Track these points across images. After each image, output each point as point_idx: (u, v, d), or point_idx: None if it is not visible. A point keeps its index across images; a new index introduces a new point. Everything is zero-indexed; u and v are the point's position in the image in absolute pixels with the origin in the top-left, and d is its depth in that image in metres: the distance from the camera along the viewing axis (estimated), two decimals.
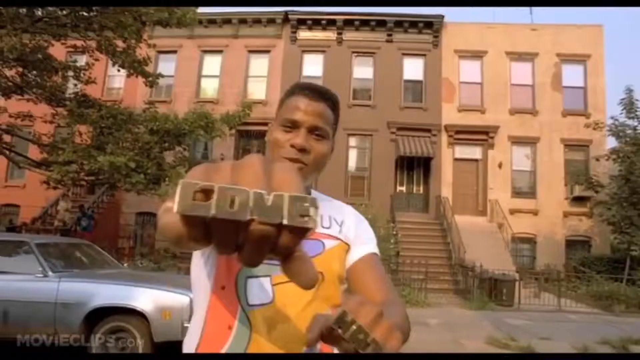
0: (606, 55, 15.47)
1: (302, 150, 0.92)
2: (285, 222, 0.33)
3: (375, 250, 1.03)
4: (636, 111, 12.49)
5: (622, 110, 12.66)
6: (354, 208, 1.11)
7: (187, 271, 7.00)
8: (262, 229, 0.33)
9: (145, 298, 4.55)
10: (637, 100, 12.51)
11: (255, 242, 0.34)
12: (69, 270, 5.16)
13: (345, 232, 0.99)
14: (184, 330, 4.42)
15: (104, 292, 4.65)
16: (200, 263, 0.94)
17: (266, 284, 0.88)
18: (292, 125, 0.95)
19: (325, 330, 0.46)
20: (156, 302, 4.52)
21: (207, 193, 0.33)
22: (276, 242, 0.35)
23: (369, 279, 0.97)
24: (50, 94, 10.01)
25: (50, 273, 4.85)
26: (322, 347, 0.87)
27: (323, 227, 0.96)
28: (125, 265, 7.59)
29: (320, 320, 0.50)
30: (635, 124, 12.54)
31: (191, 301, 4.52)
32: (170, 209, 0.59)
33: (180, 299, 4.55)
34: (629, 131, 12.44)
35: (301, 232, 0.34)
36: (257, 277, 0.88)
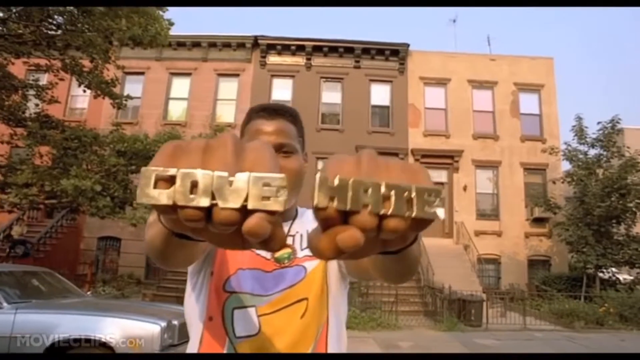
0: (558, 85, 16.53)
1: None
2: (248, 205, 0.31)
3: None
4: (585, 137, 13.33)
5: (574, 136, 13.49)
6: None
7: (153, 298, 6.84)
8: (223, 215, 0.31)
9: (113, 328, 4.32)
10: (586, 127, 13.39)
11: (219, 228, 0.32)
12: (26, 301, 4.83)
13: None
14: None
15: (66, 324, 4.38)
16: (193, 294, 0.94)
17: (252, 315, 0.89)
18: None
19: (321, 223, 0.34)
20: (124, 332, 4.31)
21: (171, 179, 0.32)
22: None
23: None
24: (8, 113, 9.57)
25: (4, 304, 4.54)
26: (318, 347, 0.91)
27: (302, 249, 0.95)
28: (88, 293, 7.20)
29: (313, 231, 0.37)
30: (586, 149, 13.38)
31: (162, 330, 4.35)
32: (153, 223, 0.59)
33: (150, 327, 4.36)
34: (580, 156, 13.23)
35: (269, 214, 0.32)
36: (243, 308, 0.89)
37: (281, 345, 0.87)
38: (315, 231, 0.35)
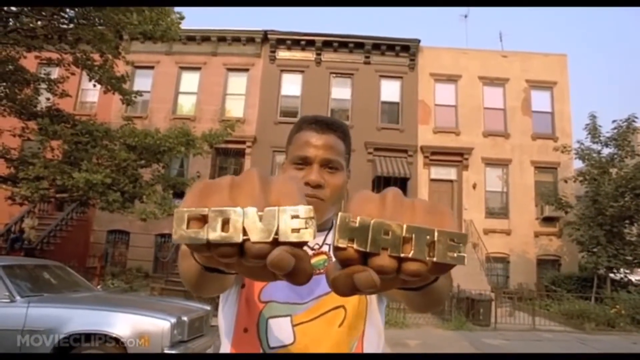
0: (571, 82, 16.27)
1: (317, 186, 0.90)
2: (279, 238, 0.32)
3: None
4: (599, 136, 13.12)
5: (587, 135, 13.28)
6: None
7: (161, 292, 6.88)
8: (255, 249, 0.32)
9: (123, 323, 4.34)
10: (600, 126, 13.18)
11: (252, 262, 0.33)
12: (38, 295, 4.86)
13: None
14: None
15: (77, 318, 4.40)
16: (225, 307, 0.93)
17: (286, 325, 0.86)
18: (304, 162, 0.93)
19: (340, 262, 0.34)
20: (134, 328, 4.32)
21: (204, 218, 0.33)
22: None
23: None
24: (20, 107, 9.63)
25: (17, 297, 4.56)
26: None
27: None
28: (98, 287, 7.25)
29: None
30: (599, 148, 13.17)
31: (172, 326, 4.36)
32: (186, 255, 0.59)
33: (160, 323, 4.37)
34: (594, 155, 13.04)
35: (298, 246, 0.33)
36: (277, 317, 0.87)
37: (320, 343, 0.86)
38: (334, 265, 0.35)
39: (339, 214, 0.33)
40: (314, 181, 0.90)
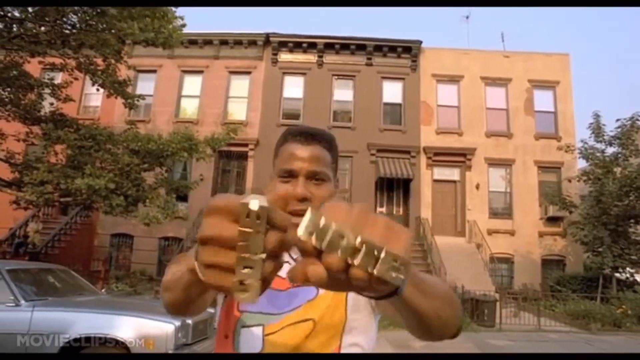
0: (574, 81, 16.23)
1: (304, 199, 0.89)
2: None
3: None
4: (603, 135, 13.07)
5: (591, 134, 13.23)
6: None
7: None
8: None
9: (127, 327, 4.35)
10: (604, 125, 13.12)
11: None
12: (43, 298, 4.87)
13: None
14: None
15: (82, 322, 4.41)
16: (218, 312, 0.96)
17: (258, 334, 0.88)
18: (290, 175, 0.92)
19: (300, 251, 0.40)
20: (139, 331, 4.33)
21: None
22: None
23: None
24: (24, 112, 9.70)
25: (22, 301, 4.58)
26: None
27: None
28: (103, 291, 7.27)
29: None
30: (603, 147, 13.11)
31: (176, 329, 4.37)
32: (176, 276, 0.66)
33: (164, 327, 4.38)
34: (598, 154, 12.98)
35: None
36: (249, 327, 0.89)
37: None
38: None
39: (309, 210, 0.39)
40: (299, 195, 0.88)
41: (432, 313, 0.61)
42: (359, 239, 0.37)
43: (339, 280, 0.40)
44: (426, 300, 0.58)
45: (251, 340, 0.87)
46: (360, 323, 0.90)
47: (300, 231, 0.38)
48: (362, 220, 0.40)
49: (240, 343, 0.88)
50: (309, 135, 0.94)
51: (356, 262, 0.37)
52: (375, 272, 0.37)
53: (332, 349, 0.87)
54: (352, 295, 0.89)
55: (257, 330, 0.88)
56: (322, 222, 0.38)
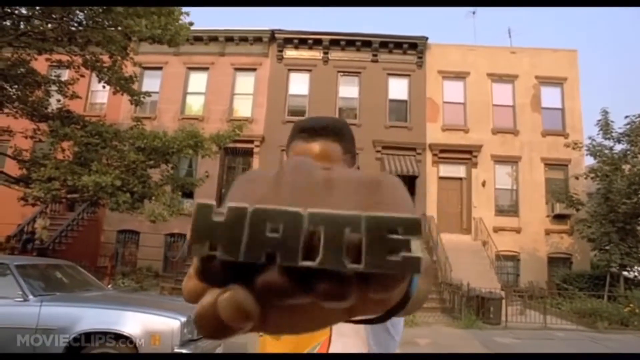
0: (582, 78, 16.07)
1: None
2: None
3: None
4: (611, 132, 12.94)
5: (599, 131, 13.10)
6: None
7: (171, 291, 6.95)
8: None
9: (134, 322, 4.38)
10: (612, 122, 12.99)
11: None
12: (50, 294, 4.92)
13: None
14: None
15: (89, 317, 4.45)
16: None
17: None
18: None
19: (199, 277, 0.22)
20: (145, 327, 4.35)
21: None
22: None
23: None
24: (32, 109, 9.77)
25: (30, 297, 4.62)
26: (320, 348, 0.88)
27: None
28: (109, 287, 7.33)
29: None
30: (612, 144, 12.99)
31: (182, 325, 4.39)
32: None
33: (171, 322, 4.40)
34: (606, 151, 12.85)
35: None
36: None
37: (281, 347, 0.88)
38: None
39: (195, 202, 0.21)
40: None
41: (427, 292, 0.45)
42: (306, 217, 0.20)
43: (305, 311, 0.22)
44: (425, 280, 0.38)
45: None
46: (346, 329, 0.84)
47: (192, 244, 0.20)
48: (303, 183, 0.22)
49: None
50: (313, 131, 0.91)
51: (317, 262, 0.19)
52: (361, 265, 0.19)
53: (322, 338, 0.87)
54: None
55: None
56: (227, 211, 0.20)
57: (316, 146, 0.89)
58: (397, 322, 0.87)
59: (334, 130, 0.92)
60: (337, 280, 0.19)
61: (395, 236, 0.20)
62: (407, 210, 0.21)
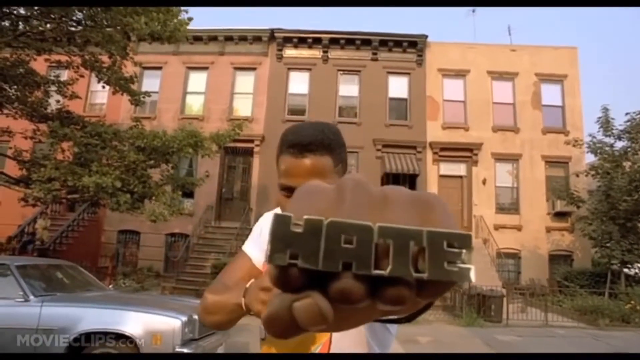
0: (582, 75, 16.04)
1: None
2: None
3: None
4: (612, 129, 12.92)
5: (599, 128, 13.08)
6: None
7: (172, 291, 6.98)
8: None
9: (135, 322, 4.37)
10: (612, 119, 12.97)
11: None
12: (51, 294, 4.92)
13: None
14: None
15: (90, 317, 4.45)
16: None
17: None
18: (289, 191, 0.90)
19: (278, 284, 0.24)
20: (146, 326, 4.35)
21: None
22: None
23: None
24: (31, 109, 9.77)
25: (31, 297, 4.62)
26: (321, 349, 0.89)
27: None
28: (110, 287, 7.33)
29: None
30: (612, 141, 12.97)
31: (183, 324, 4.39)
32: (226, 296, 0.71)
33: (172, 322, 4.40)
34: (606, 148, 12.84)
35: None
36: None
37: (283, 348, 0.91)
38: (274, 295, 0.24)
39: (273, 213, 0.24)
40: None
41: None
42: (376, 229, 0.22)
43: (360, 312, 0.25)
44: None
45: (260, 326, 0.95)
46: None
47: (273, 252, 0.22)
48: (364, 199, 0.24)
49: (260, 326, 0.96)
50: (302, 147, 0.89)
51: (388, 271, 0.22)
52: (425, 274, 0.22)
53: (322, 339, 0.87)
54: None
55: None
56: (304, 223, 0.22)
57: (307, 162, 0.88)
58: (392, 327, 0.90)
59: (322, 144, 0.90)
60: (401, 287, 0.22)
61: (452, 249, 0.23)
62: (456, 228, 0.24)
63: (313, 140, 0.90)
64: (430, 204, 0.25)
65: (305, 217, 0.23)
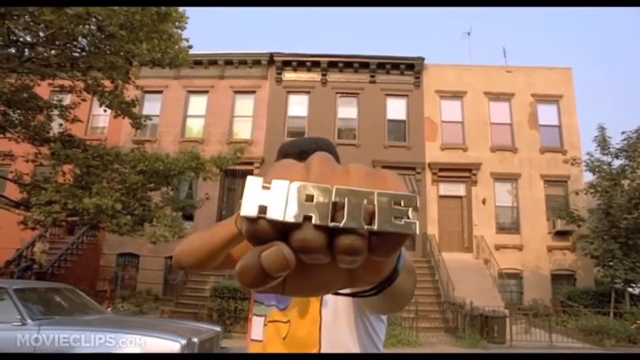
0: (577, 95, 16.26)
1: None
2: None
3: None
4: (609, 147, 13.02)
5: (597, 147, 13.18)
6: None
7: (171, 314, 6.91)
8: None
9: (133, 346, 4.32)
10: (609, 137, 13.08)
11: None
12: (49, 317, 4.88)
13: None
14: None
15: (88, 341, 4.40)
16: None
17: (260, 324, 0.98)
18: None
19: (251, 241, 0.27)
20: (145, 350, 4.30)
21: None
22: None
23: None
24: (34, 133, 9.87)
25: (29, 321, 4.58)
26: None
27: None
28: (109, 310, 7.25)
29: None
30: (610, 159, 13.05)
31: (182, 348, 4.33)
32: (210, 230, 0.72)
33: (171, 345, 4.35)
34: (604, 166, 12.91)
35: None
36: (258, 315, 1.00)
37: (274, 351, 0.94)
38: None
39: (248, 177, 0.28)
40: None
41: (410, 284, 0.53)
42: (334, 190, 0.26)
43: (328, 270, 0.28)
44: (407, 275, 0.48)
45: (257, 327, 0.98)
46: (337, 320, 0.90)
47: (246, 206, 0.26)
48: (327, 171, 0.29)
49: (252, 328, 1.00)
50: (297, 155, 0.94)
51: (343, 223, 0.26)
52: (375, 226, 0.26)
53: (312, 351, 0.90)
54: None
55: (260, 320, 0.98)
56: (273, 184, 0.26)
57: None
58: (380, 329, 0.93)
59: (315, 151, 0.93)
60: (354, 236, 0.26)
61: (399, 207, 0.27)
62: (404, 190, 0.28)
63: (307, 149, 0.97)
64: (384, 175, 0.30)
65: (274, 180, 0.27)
